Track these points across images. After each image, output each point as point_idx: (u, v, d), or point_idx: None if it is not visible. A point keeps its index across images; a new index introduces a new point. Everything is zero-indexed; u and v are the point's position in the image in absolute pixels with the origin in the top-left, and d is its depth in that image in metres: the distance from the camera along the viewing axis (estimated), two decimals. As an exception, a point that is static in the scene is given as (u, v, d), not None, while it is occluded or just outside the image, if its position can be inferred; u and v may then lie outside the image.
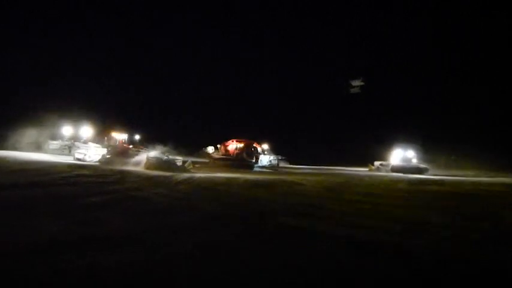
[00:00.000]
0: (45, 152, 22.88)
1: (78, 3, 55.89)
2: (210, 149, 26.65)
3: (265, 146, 31.18)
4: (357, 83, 31.41)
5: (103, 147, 20.63)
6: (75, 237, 4.42)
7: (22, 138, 23.69)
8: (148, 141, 21.19)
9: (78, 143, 21.85)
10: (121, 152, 18.72)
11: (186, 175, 14.41)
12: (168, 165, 16.75)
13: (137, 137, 21.04)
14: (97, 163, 17.81)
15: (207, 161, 24.22)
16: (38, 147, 23.63)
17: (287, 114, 51.12)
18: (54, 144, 23.76)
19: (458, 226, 6.00)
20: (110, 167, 15.70)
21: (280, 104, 51.99)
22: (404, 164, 22.48)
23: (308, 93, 49.09)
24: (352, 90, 31.68)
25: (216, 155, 25.04)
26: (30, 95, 35.64)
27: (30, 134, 24.07)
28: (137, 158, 17.63)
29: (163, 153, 18.46)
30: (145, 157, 17.21)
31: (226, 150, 25.00)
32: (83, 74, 45.83)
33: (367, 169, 25.14)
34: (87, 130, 24.48)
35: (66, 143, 23.55)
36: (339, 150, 34.44)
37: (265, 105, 51.26)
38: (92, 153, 19.61)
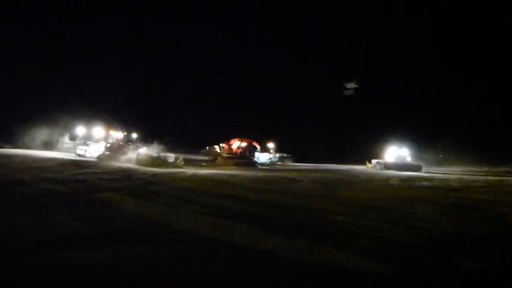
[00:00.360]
0: (59, 151, 23.23)
1: (81, 5, 55.90)
2: (217, 148, 26.59)
3: (271, 145, 31.32)
4: (351, 85, 31.16)
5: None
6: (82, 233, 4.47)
7: (35, 137, 24.09)
8: (147, 139, 21.60)
9: (90, 142, 22.23)
10: (117, 149, 19.03)
11: (190, 172, 14.56)
12: (159, 161, 16.92)
13: (134, 135, 21.45)
14: (95, 159, 18.19)
15: (206, 158, 24.29)
16: (51, 146, 24.00)
17: (292, 114, 51.08)
18: (68, 143, 24.17)
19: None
20: (106, 163, 15.98)
21: (285, 105, 51.91)
22: (399, 161, 22.50)
23: (312, 94, 48.96)
24: (346, 93, 31.44)
25: (224, 154, 25.04)
26: (42, 95, 36.03)
27: (43, 133, 24.46)
28: (130, 155, 17.86)
29: (155, 150, 18.63)
30: (136, 154, 17.49)
31: (230, 149, 25.11)
32: (89, 75, 46.19)
33: (364, 167, 25.19)
34: (99, 130, 24.81)
35: (79, 142, 23.89)
36: (340, 149, 34.42)
37: (270, 105, 51.21)
38: (92, 150, 20.17)
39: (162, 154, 18.21)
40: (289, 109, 52.17)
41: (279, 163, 29.27)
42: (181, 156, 19.04)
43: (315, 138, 41.63)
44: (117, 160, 16.92)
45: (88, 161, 16.85)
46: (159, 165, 16.10)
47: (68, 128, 25.01)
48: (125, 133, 22.23)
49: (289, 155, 32.08)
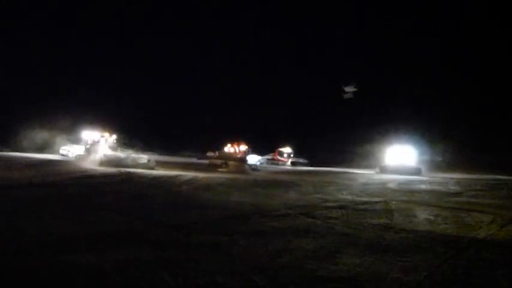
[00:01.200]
0: (59, 154, 23.48)
1: (81, 5, 55.84)
2: (227, 149, 26.07)
3: (288, 149, 31.60)
4: (350, 89, 31.16)
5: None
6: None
7: (35, 141, 24.42)
8: (130, 142, 22.05)
9: (70, 143, 22.77)
10: (93, 151, 19.72)
11: (190, 175, 14.70)
12: (126, 162, 17.47)
13: (114, 136, 21.82)
14: (73, 159, 19.10)
15: (204, 161, 24.03)
16: (51, 149, 24.23)
17: (293, 115, 50.36)
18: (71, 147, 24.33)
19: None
20: (80, 163, 16.91)
21: (286, 106, 51.32)
22: (398, 164, 22.47)
23: (314, 95, 48.26)
24: (345, 96, 31.44)
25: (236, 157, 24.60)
26: (42, 95, 36.22)
27: (42, 136, 24.75)
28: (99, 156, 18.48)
29: (124, 151, 19.29)
30: (101, 155, 18.15)
31: (235, 153, 24.96)
32: (88, 76, 46.38)
33: (373, 171, 24.48)
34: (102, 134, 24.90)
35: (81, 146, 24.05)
36: (352, 153, 33.80)
37: (271, 106, 50.61)
38: (75, 150, 21.03)
39: (133, 155, 18.66)
40: (290, 109, 51.67)
41: (290, 167, 29.39)
42: (153, 158, 19.57)
43: (334, 142, 40.88)
44: (92, 161, 17.66)
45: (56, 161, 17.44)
46: (126, 166, 16.67)
47: (67, 131, 25.11)
48: (104, 135, 22.37)
49: (305, 161, 31.82)
